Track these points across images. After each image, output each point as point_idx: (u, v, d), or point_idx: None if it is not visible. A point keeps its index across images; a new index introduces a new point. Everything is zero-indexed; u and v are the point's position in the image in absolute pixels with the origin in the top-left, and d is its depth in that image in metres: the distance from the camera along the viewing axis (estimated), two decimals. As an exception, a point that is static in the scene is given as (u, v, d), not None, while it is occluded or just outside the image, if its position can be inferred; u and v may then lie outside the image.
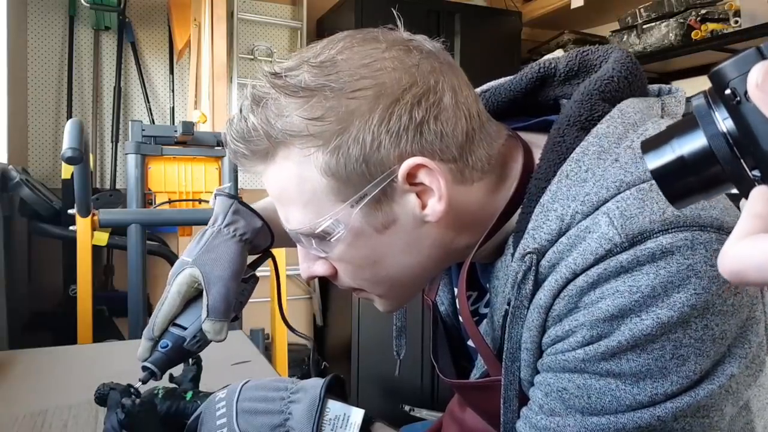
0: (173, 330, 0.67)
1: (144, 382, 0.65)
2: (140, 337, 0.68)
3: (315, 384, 0.60)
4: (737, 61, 0.29)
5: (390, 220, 0.55)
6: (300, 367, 2.72)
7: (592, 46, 0.63)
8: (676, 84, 2.59)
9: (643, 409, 0.47)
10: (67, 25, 2.72)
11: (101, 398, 0.67)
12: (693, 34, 2.12)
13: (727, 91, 0.29)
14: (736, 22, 2.05)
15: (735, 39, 2.00)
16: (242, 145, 0.56)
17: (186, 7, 2.75)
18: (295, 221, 0.58)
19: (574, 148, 0.52)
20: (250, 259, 0.74)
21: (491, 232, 0.58)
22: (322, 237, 0.57)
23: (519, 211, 0.55)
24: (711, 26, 2.08)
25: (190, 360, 0.72)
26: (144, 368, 0.66)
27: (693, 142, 0.32)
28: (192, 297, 0.68)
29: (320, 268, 0.62)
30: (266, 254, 0.77)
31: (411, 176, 0.53)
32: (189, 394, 0.67)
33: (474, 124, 0.56)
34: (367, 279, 0.60)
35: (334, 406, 0.59)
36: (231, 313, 0.67)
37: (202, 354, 0.71)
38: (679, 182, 0.33)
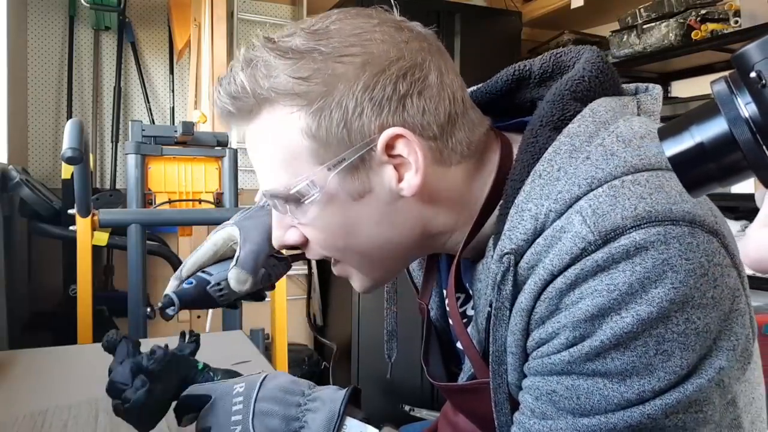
0: (200, 274, 0.70)
1: (162, 308, 0.67)
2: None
3: (333, 397, 0.59)
4: (763, 43, 0.29)
5: (365, 189, 0.56)
6: (300, 367, 2.72)
7: (567, 47, 0.63)
8: (676, 84, 2.59)
9: (633, 407, 0.47)
10: (67, 25, 2.72)
11: (110, 345, 0.66)
12: (693, 34, 2.12)
13: (752, 75, 0.29)
14: (736, 22, 2.05)
15: (735, 39, 2.00)
16: (228, 101, 0.57)
17: (186, 7, 2.75)
18: (271, 181, 0.58)
19: (547, 148, 0.53)
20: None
21: (473, 231, 0.59)
22: (297, 199, 0.57)
23: (497, 212, 0.55)
24: (711, 26, 2.08)
25: (189, 335, 0.72)
26: (166, 296, 0.67)
27: (713, 128, 0.31)
28: (225, 257, 0.71)
29: (292, 236, 0.62)
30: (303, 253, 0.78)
31: (389, 147, 0.54)
32: (200, 364, 0.68)
33: (457, 108, 0.57)
34: (340, 249, 0.60)
35: (352, 424, 0.58)
36: (258, 271, 0.69)
37: (201, 354, 0.71)
38: (698, 169, 0.32)
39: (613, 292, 0.46)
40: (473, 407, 0.64)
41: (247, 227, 0.70)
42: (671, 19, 2.18)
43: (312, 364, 2.80)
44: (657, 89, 0.60)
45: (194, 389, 0.63)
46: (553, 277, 0.48)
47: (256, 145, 0.59)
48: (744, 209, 2.01)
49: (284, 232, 0.63)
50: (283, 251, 0.74)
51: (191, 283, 0.69)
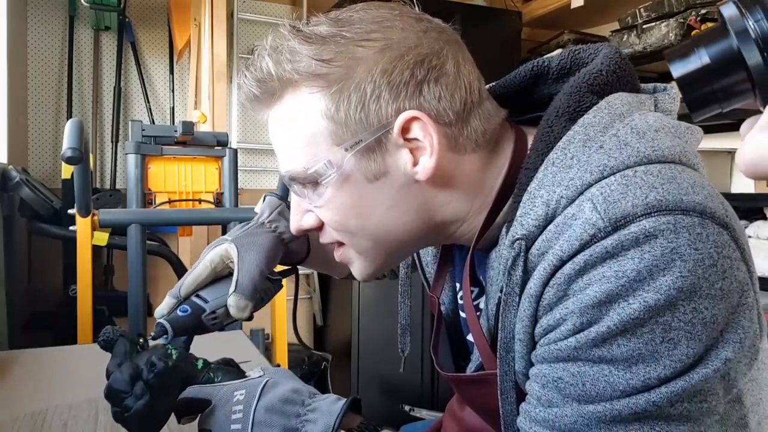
0: (195, 299, 0.69)
1: (155, 338, 0.66)
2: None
3: (331, 409, 0.59)
4: None
5: (381, 172, 0.57)
6: (300, 367, 2.72)
7: (586, 44, 0.64)
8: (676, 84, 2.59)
9: (638, 394, 0.47)
10: (67, 25, 2.72)
11: (107, 343, 0.65)
12: (693, 34, 2.12)
13: None
14: (736, 22, 2.04)
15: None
16: (254, 85, 0.59)
17: (186, 7, 2.75)
18: (290, 163, 0.60)
19: (562, 137, 0.53)
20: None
21: (487, 221, 0.59)
22: (314, 181, 0.58)
23: (510, 201, 0.56)
24: (711, 26, 2.08)
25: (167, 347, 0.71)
26: (159, 324, 0.66)
27: (721, 49, 0.33)
28: (221, 274, 0.71)
29: (308, 221, 0.63)
30: (293, 269, 0.80)
31: (405, 130, 0.56)
32: (200, 362, 0.67)
33: (473, 97, 0.59)
34: (352, 231, 0.61)
35: None
36: (256, 296, 0.68)
37: (202, 354, 0.71)
38: (703, 89, 0.34)
39: (621, 278, 0.46)
40: (480, 399, 0.64)
41: (245, 245, 0.70)
42: (671, 19, 2.18)
43: (312, 364, 2.80)
44: (675, 89, 0.60)
45: (194, 392, 0.63)
46: (563, 262, 0.49)
47: (278, 128, 0.60)
48: (744, 209, 2.01)
49: (301, 217, 0.64)
50: (277, 268, 0.74)
51: (186, 311, 0.67)
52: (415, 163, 0.57)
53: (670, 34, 2.18)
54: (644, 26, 2.27)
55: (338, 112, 0.56)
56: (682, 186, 0.48)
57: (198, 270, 0.70)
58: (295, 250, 0.77)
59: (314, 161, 0.57)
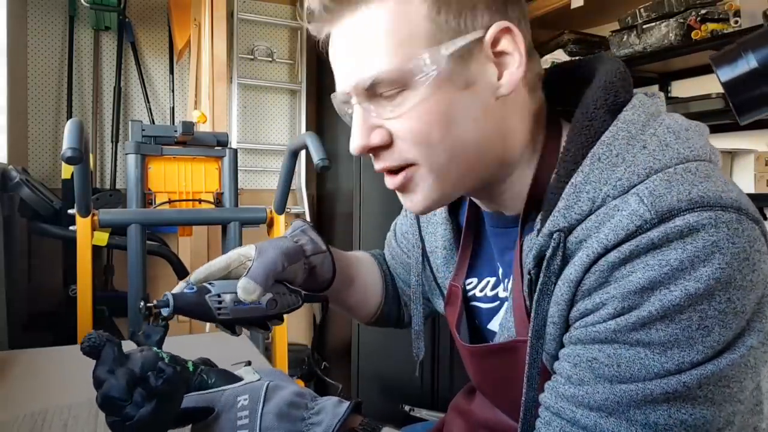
0: (204, 284, 0.70)
1: (158, 306, 0.66)
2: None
3: (335, 412, 0.59)
4: None
5: (471, 80, 0.58)
6: (300, 367, 2.72)
7: (574, 59, 0.67)
8: (675, 84, 2.59)
9: (671, 376, 0.49)
10: (67, 25, 2.72)
11: (93, 348, 0.57)
12: (693, 34, 2.12)
13: None
14: (736, 22, 2.04)
15: (735, 39, 1.99)
16: None
17: (186, 7, 2.75)
18: (380, 63, 0.58)
19: (603, 131, 0.56)
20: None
21: (527, 208, 0.62)
22: (405, 82, 0.57)
23: (548, 193, 0.57)
24: (711, 26, 2.08)
25: (160, 320, 0.69)
26: (165, 296, 0.67)
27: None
28: (236, 274, 0.72)
29: (377, 137, 0.60)
30: (322, 296, 0.81)
31: (495, 43, 0.58)
32: (190, 364, 0.65)
33: (530, 38, 0.63)
34: (433, 143, 0.59)
35: None
36: (267, 285, 0.69)
37: (204, 353, 0.71)
38: (750, 92, 0.36)
39: (664, 267, 0.49)
40: (501, 372, 0.65)
41: (264, 246, 0.72)
42: (671, 19, 2.18)
43: (312, 364, 2.80)
44: (660, 97, 0.63)
45: (195, 399, 0.61)
46: (607, 250, 0.51)
47: (363, 32, 0.58)
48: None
49: (368, 134, 0.61)
50: (293, 284, 0.75)
51: (192, 289, 0.68)
52: (500, 77, 0.59)
53: (670, 34, 2.18)
54: (644, 26, 2.27)
55: (438, 14, 0.57)
56: (717, 183, 0.51)
57: (212, 263, 0.72)
58: (319, 271, 0.78)
59: (412, 57, 0.56)
